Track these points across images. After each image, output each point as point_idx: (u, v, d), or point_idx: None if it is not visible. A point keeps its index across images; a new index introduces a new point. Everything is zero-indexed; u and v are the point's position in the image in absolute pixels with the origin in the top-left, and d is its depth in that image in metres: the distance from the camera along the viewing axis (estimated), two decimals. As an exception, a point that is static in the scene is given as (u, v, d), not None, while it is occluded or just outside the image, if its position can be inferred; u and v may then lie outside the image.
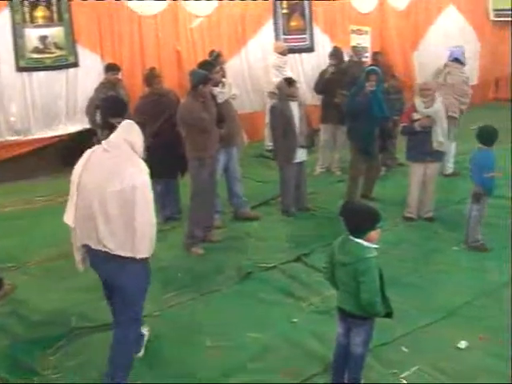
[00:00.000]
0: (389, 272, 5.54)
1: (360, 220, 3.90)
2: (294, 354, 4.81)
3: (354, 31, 11.88)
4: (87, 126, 8.69)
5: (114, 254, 4.05)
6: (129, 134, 4.19)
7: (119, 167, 4.04)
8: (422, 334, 5.09)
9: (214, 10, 10.65)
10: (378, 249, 3.97)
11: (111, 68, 8.60)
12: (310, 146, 7.76)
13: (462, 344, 4.92)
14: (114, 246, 4.04)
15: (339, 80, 9.11)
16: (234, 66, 10.66)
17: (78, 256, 4.32)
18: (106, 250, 4.06)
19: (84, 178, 4.11)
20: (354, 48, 10.89)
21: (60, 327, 5.19)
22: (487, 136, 6.57)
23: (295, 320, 5.32)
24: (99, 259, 4.17)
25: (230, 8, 10.82)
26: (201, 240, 6.79)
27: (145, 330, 4.88)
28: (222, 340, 5.01)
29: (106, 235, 4.02)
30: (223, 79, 7.40)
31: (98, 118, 7.35)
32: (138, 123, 4.37)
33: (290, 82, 7.59)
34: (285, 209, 7.85)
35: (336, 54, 9.69)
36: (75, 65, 9.58)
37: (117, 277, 4.17)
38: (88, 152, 4.26)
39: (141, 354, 4.75)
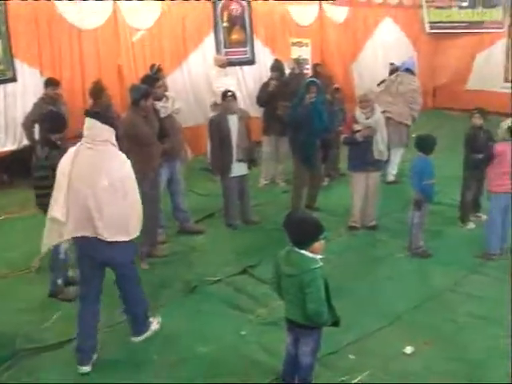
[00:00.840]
0: (335, 281, 5.61)
1: (304, 231, 3.93)
2: (243, 366, 4.80)
3: (294, 44, 12.05)
4: (26, 142, 8.51)
5: (112, 241, 4.53)
6: (103, 132, 4.55)
7: (104, 163, 4.50)
8: (369, 341, 5.16)
9: (154, 23, 10.56)
10: (323, 259, 4.00)
11: (51, 83, 8.45)
12: (251, 159, 7.76)
13: (408, 349, 5.01)
14: (111, 235, 4.53)
15: (281, 92, 9.20)
16: (175, 80, 10.63)
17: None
18: (103, 238, 4.51)
19: (73, 174, 4.45)
20: (296, 60, 11.02)
21: (4, 349, 5.04)
22: (425, 144, 6.77)
23: (243, 332, 5.32)
24: (97, 245, 4.56)
25: (170, 21, 10.76)
26: (146, 255, 6.71)
27: (155, 322, 5.30)
28: (169, 355, 4.96)
29: (102, 228, 4.48)
30: (166, 93, 7.36)
31: (36, 133, 7.20)
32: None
33: (225, 95, 7.59)
34: (229, 222, 7.85)
35: (277, 66, 9.77)
36: (13, 80, 9.32)
37: (116, 257, 4.68)
38: (73, 149, 4.59)
39: (142, 337, 5.16)
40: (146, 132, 6.35)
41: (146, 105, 6.39)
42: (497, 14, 14.69)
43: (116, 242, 4.57)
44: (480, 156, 7.24)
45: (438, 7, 15.29)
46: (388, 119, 9.16)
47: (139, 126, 6.33)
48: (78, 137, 4.70)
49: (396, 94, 9.53)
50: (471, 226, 7.77)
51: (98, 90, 7.36)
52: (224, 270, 6.56)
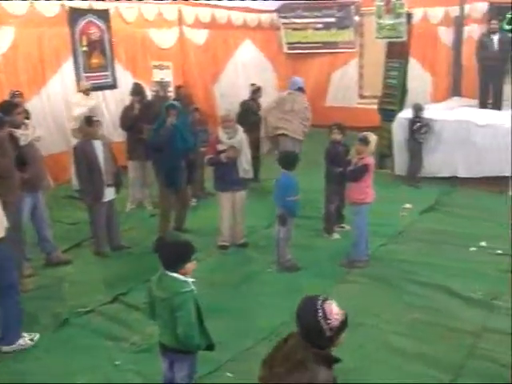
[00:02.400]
0: (208, 301, 5.66)
1: (174, 254, 3.93)
2: (119, 397, 4.74)
3: (155, 66, 12.09)
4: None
5: None
6: None
7: None
8: (246, 358, 5.23)
9: (8, 47, 10.11)
10: (195, 280, 4.03)
11: None
12: (118, 183, 7.68)
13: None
14: None
15: (144, 115, 9.18)
16: (34, 106, 10.26)
17: None
18: None
19: None
20: (160, 83, 11.05)
21: None
22: (288, 161, 7.01)
23: (118, 362, 5.23)
24: None
25: (26, 46, 10.36)
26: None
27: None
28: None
29: None
30: (26, 121, 7.09)
31: None
32: None
33: (89, 120, 7.47)
34: (98, 249, 7.69)
35: (137, 90, 9.74)
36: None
37: None
38: None
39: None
40: (2, 164, 6.06)
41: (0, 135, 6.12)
42: (349, 34, 15.57)
43: None
44: (339, 169, 7.62)
45: (294, 29, 15.94)
46: (283, 135, 9.79)
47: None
48: None
49: (290, 111, 9.99)
50: (336, 236, 8.14)
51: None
52: (95, 299, 6.42)
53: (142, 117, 9.17)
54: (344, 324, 2.84)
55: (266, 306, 6.25)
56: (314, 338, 2.80)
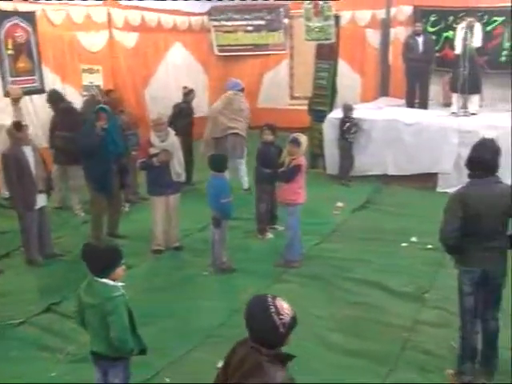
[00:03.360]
0: (144, 307, 5.65)
1: (101, 261, 3.88)
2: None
3: (85, 70, 11.87)
4: None
5: None
6: None
7: None
8: (183, 362, 5.22)
9: None
10: (130, 285, 3.99)
11: None
12: (49, 190, 7.50)
13: (220, 363, 5.12)
14: None
15: (63, 122, 9.04)
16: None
17: None
18: None
19: None
20: (98, 87, 10.88)
21: None
22: (219, 163, 7.01)
23: (53, 374, 5.11)
24: None
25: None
26: None
27: None
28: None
29: None
30: None
31: None
32: None
33: (18, 126, 7.26)
34: (29, 258, 7.48)
35: (52, 97, 9.66)
36: None
37: None
38: None
39: None
40: None
41: None
42: (279, 36, 15.68)
43: None
44: (270, 170, 7.67)
45: (225, 31, 15.94)
46: (234, 135, 10.07)
47: None
48: None
49: (238, 111, 10.33)
50: (269, 236, 8.19)
51: None
52: (27, 309, 6.24)
53: (61, 123, 9.01)
54: (294, 320, 2.85)
55: (203, 309, 6.25)
56: (268, 335, 2.79)
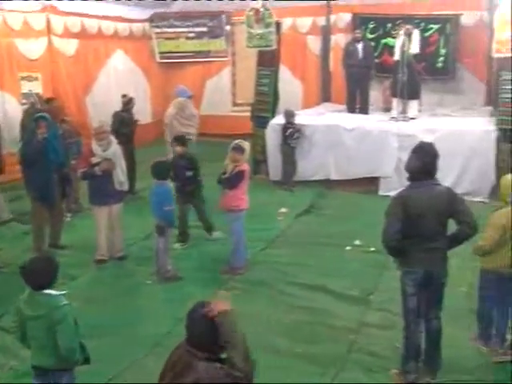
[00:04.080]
0: (89, 318, 5.54)
1: (41, 276, 3.81)
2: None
3: (23, 78, 11.61)
4: None
5: None
6: None
7: None
8: (131, 372, 5.15)
9: None
10: (74, 296, 3.93)
11: None
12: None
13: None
14: None
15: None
16: None
17: None
18: None
19: None
20: (38, 95, 10.65)
21: None
22: (161, 170, 6.94)
23: (-5, 391, 4.97)
24: None
25: None
26: None
27: None
28: None
29: None
30: None
31: None
32: None
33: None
34: (-32, 271, 7.24)
35: None
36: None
37: None
38: None
39: None
40: None
41: None
42: (220, 43, 15.71)
43: None
44: (177, 183, 7.67)
45: (167, 38, 15.84)
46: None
47: None
48: None
49: (190, 116, 10.86)
50: (178, 246, 8.01)
51: None
52: (-36, 325, 6.02)
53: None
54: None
55: (149, 318, 6.19)
56: (203, 340, 2.78)
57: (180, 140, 8.03)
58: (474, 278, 5.82)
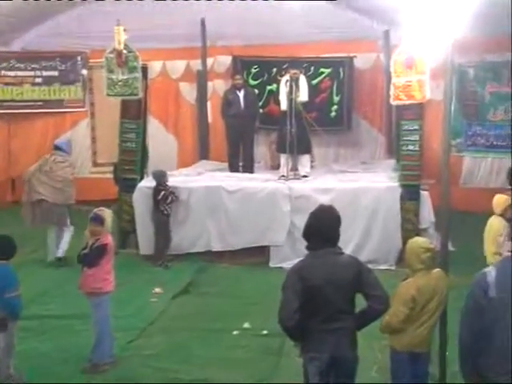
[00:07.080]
0: None
1: None
2: None
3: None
4: None
5: None
6: None
7: None
8: None
9: None
10: None
11: None
12: None
13: None
14: None
15: None
16: None
17: None
18: None
19: None
20: None
21: None
22: (4, 248, 6.48)
23: None
24: None
25: None
26: None
27: None
28: None
29: None
30: None
31: None
32: None
33: None
34: None
35: None
36: None
37: None
38: None
39: None
40: None
41: None
42: (75, 91, 15.47)
43: None
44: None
45: (6, 83, 15.39)
46: (41, 201, 10.36)
47: None
48: None
49: (51, 173, 10.66)
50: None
51: None
52: None
53: None
54: None
55: None
56: None
57: None
58: (385, 359, 5.87)
